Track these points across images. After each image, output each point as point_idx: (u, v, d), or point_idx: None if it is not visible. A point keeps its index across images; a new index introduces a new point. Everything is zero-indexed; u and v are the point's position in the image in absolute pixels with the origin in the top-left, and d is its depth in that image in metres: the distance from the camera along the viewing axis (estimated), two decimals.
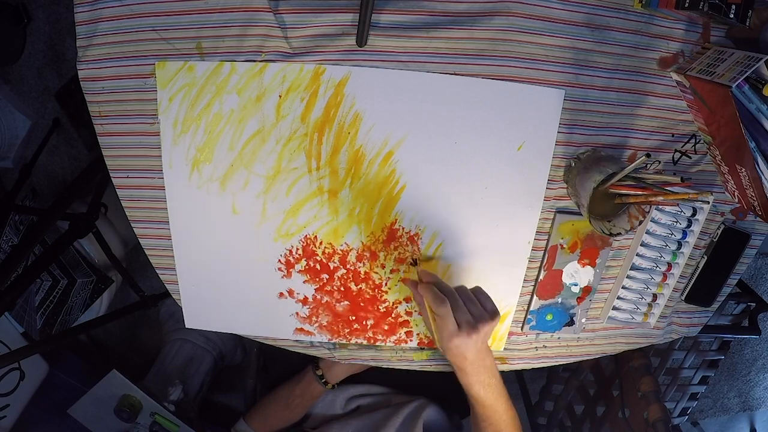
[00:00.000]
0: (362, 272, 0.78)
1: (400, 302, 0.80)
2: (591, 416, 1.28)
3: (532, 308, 0.82)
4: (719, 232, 0.81)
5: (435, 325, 0.69)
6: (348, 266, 0.77)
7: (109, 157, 0.71)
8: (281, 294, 0.79)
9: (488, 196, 0.74)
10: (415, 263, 0.76)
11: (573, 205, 0.75)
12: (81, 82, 0.67)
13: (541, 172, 0.73)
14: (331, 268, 0.77)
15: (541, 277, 0.80)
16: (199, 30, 0.65)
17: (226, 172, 0.71)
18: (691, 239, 0.79)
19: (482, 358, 0.70)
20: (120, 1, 0.64)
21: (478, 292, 0.71)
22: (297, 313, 0.80)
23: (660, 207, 0.77)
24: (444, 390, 0.89)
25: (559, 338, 0.86)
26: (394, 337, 0.82)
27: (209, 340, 1.48)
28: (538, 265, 0.80)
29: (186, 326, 0.82)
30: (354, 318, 0.80)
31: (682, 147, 0.76)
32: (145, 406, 1.29)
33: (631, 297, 0.83)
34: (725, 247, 0.81)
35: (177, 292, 0.79)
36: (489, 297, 0.71)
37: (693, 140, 0.75)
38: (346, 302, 0.79)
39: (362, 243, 0.76)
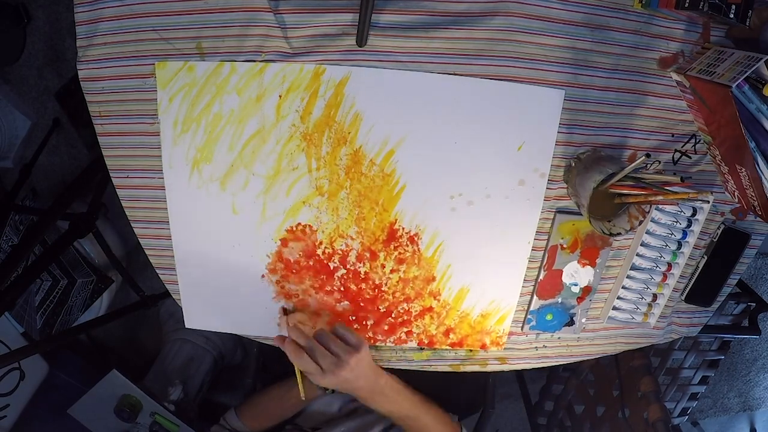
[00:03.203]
0: (362, 272, 0.78)
1: (400, 302, 0.80)
2: (591, 416, 1.28)
3: (532, 308, 0.82)
4: (719, 232, 0.81)
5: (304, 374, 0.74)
6: (348, 266, 0.77)
7: (109, 157, 0.71)
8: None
9: (488, 196, 0.74)
10: (285, 312, 0.78)
11: (573, 205, 0.75)
12: (81, 82, 0.67)
13: (541, 172, 0.73)
14: (331, 268, 0.77)
15: (541, 277, 0.80)
16: (199, 30, 0.65)
17: (226, 172, 0.71)
18: (691, 239, 0.79)
19: (373, 381, 0.77)
20: (120, 1, 0.64)
21: (338, 329, 0.75)
22: None
23: (660, 207, 0.77)
24: (443, 390, 0.89)
25: (559, 338, 0.86)
26: (394, 337, 0.82)
27: (209, 340, 1.48)
28: (538, 265, 0.80)
29: (186, 326, 0.82)
30: (354, 318, 0.80)
31: (682, 147, 0.76)
32: (145, 406, 1.29)
33: (631, 297, 0.83)
34: (725, 247, 0.81)
35: (177, 292, 0.79)
36: (350, 330, 0.75)
37: (693, 140, 0.75)
38: (346, 302, 0.79)
39: (362, 243, 0.76)
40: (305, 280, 0.78)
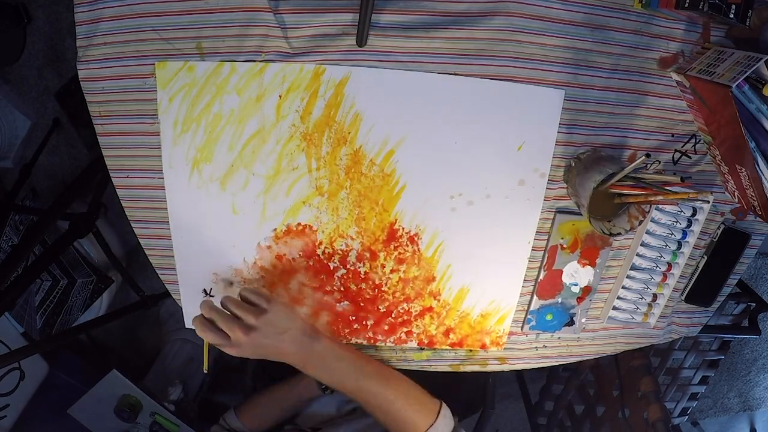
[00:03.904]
0: (362, 272, 0.78)
1: (400, 302, 0.80)
2: (591, 416, 1.28)
3: (532, 308, 0.82)
4: (719, 232, 0.81)
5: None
6: (348, 266, 0.77)
7: (109, 157, 0.71)
8: None
9: (488, 196, 0.74)
10: (205, 294, 0.76)
11: (573, 205, 0.75)
12: (81, 82, 0.67)
13: (541, 172, 0.73)
14: (331, 268, 0.77)
15: (541, 277, 0.80)
16: (199, 30, 0.65)
17: (226, 172, 0.71)
18: (691, 239, 0.79)
19: (306, 346, 0.70)
20: (120, 1, 0.64)
21: (243, 292, 0.71)
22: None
23: (660, 207, 0.77)
24: (443, 390, 0.89)
25: (559, 338, 0.86)
26: (394, 337, 0.82)
27: None
28: (538, 265, 0.80)
29: (186, 326, 0.82)
30: (354, 318, 0.80)
31: (682, 147, 0.76)
32: (145, 406, 1.29)
33: (631, 297, 0.83)
34: (725, 247, 0.81)
35: (177, 292, 0.79)
36: (256, 291, 0.70)
37: (693, 140, 0.75)
38: (346, 302, 0.79)
39: (362, 243, 0.76)
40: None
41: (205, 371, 0.75)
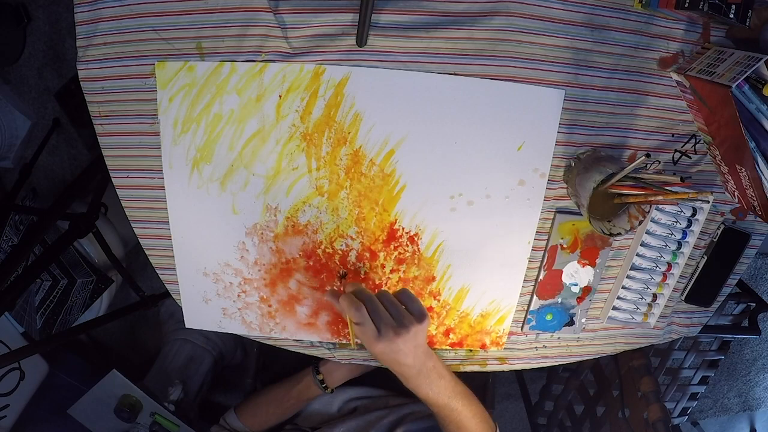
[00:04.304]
0: (362, 272, 0.78)
1: None
2: (591, 416, 1.28)
3: (532, 308, 0.82)
4: (719, 232, 0.81)
5: (358, 333, 0.68)
6: (348, 266, 0.77)
7: (109, 157, 0.71)
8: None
9: (488, 196, 0.74)
10: (343, 276, 0.76)
11: (573, 205, 0.75)
12: (81, 82, 0.67)
13: (541, 172, 0.73)
14: (331, 268, 0.77)
15: (541, 277, 0.80)
16: (199, 30, 0.65)
17: (226, 172, 0.71)
18: (691, 239, 0.79)
19: (422, 362, 0.70)
20: (120, 1, 0.64)
21: (402, 294, 0.70)
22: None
23: (660, 207, 0.77)
24: None
25: (559, 338, 0.86)
26: None
27: (209, 340, 1.48)
28: (538, 265, 0.80)
29: (186, 326, 0.82)
30: None
31: (682, 147, 0.76)
32: (145, 406, 1.29)
33: (631, 297, 0.83)
34: (725, 247, 0.81)
35: (177, 292, 0.79)
36: (415, 298, 0.70)
37: (693, 140, 0.75)
38: None
39: (362, 243, 0.76)
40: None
41: (354, 347, 0.74)
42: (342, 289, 0.73)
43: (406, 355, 0.68)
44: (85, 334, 1.73)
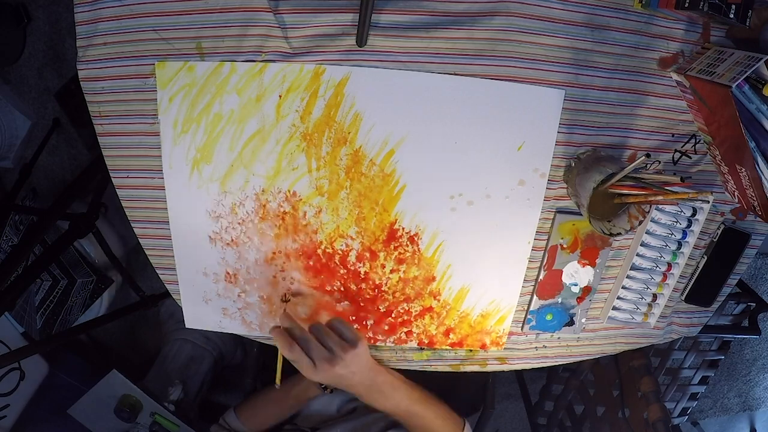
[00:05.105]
0: (362, 272, 0.78)
1: (400, 302, 0.80)
2: (591, 416, 1.28)
3: (532, 308, 0.82)
4: (719, 232, 0.81)
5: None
6: (348, 266, 0.77)
7: (109, 157, 0.71)
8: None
9: (488, 196, 0.74)
10: (287, 301, 0.77)
11: (573, 205, 0.75)
12: (81, 82, 0.67)
13: (541, 172, 0.73)
14: (331, 268, 0.77)
15: (541, 277, 0.80)
16: (199, 30, 0.65)
17: (226, 172, 0.71)
18: (691, 239, 0.79)
19: (370, 379, 0.75)
20: (120, 1, 0.64)
21: (335, 323, 0.73)
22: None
23: (660, 207, 0.77)
24: (443, 390, 0.89)
25: (559, 338, 0.86)
26: (394, 337, 0.82)
27: (209, 340, 1.48)
28: (538, 265, 0.80)
29: (186, 326, 0.82)
30: (354, 318, 0.80)
31: (682, 147, 0.76)
32: (145, 406, 1.29)
33: (631, 297, 0.83)
34: (725, 247, 0.81)
35: (177, 292, 0.79)
36: (348, 326, 0.73)
37: (693, 140, 0.75)
38: (346, 302, 0.79)
39: (362, 243, 0.76)
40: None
41: (278, 385, 0.77)
42: (285, 310, 0.75)
43: (349, 378, 0.72)
44: (85, 334, 1.73)
